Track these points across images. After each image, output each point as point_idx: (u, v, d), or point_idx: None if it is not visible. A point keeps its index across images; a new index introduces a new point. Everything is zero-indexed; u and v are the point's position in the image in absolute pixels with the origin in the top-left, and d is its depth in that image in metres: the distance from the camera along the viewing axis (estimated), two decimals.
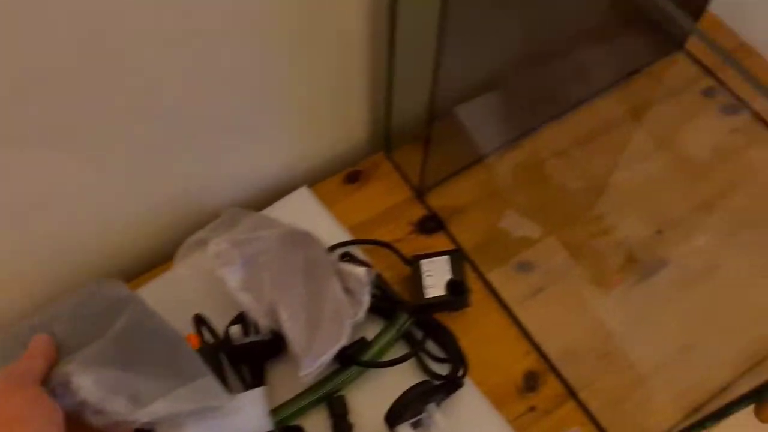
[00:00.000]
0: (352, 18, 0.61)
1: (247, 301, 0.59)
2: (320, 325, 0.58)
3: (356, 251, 0.68)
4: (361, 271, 0.61)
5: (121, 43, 0.50)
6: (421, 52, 0.57)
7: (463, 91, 0.69)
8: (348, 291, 0.61)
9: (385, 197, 0.72)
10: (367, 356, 0.61)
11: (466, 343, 0.63)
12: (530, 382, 0.64)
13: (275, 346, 0.59)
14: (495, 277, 0.68)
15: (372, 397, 0.60)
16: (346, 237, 0.68)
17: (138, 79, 0.53)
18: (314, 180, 0.73)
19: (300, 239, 0.63)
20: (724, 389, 0.65)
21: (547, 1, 0.67)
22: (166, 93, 0.56)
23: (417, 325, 0.63)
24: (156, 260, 0.67)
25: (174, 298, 0.58)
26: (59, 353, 0.47)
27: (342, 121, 0.72)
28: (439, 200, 0.72)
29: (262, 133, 0.67)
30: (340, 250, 0.67)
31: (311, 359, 0.57)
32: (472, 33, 0.59)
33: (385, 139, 0.74)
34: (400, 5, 0.59)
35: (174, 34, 0.52)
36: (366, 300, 0.61)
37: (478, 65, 0.67)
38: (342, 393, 0.61)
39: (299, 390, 0.60)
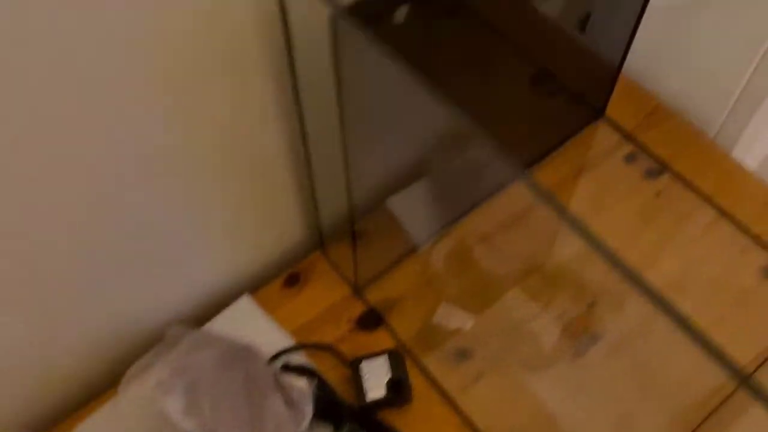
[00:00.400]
0: (273, 134, 0.64)
1: (190, 429, 0.60)
2: None
3: (300, 355, 0.70)
4: (302, 383, 0.63)
5: (44, 172, 0.52)
6: (332, 160, 0.60)
7: (387, 186, 0.72)
8: (290, 403, 0.63)
9: (324, 296, 0.74)
10: None
11: None
12: None
13: None
14: (435, 367, 0.70)
15: None
16: (288, 342, 0.70)
17: (58, 214, 0.55)
18: (257, 284, 0.75)
19: (240, 355, 0.65)
20: None
21: (458, 88, 0.70)
22: (93, 224, 0.58)
23: (361, 426, 0.65)
24: (105, 386, 0.68)
25: (119, 428, 0.59)
26: None
27: (276, 226, 0.75)
28: (377, 294, 0.74)
29: (198, 250, 0.69)
30: (282, 358, 0.69)
31: None
32: (379, 135, 0.62)
33: (319, 238, 0.76)
34: (307, 123, 0.62)
35: (99, 169, 0.54)
36: (308, 411, 0.63)
37: (395, 162, 0.70)
38: None
39: None
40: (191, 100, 0.55)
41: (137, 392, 0.62)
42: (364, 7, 0.50)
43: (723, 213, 0.79)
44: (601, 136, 0.86)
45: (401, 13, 0.58)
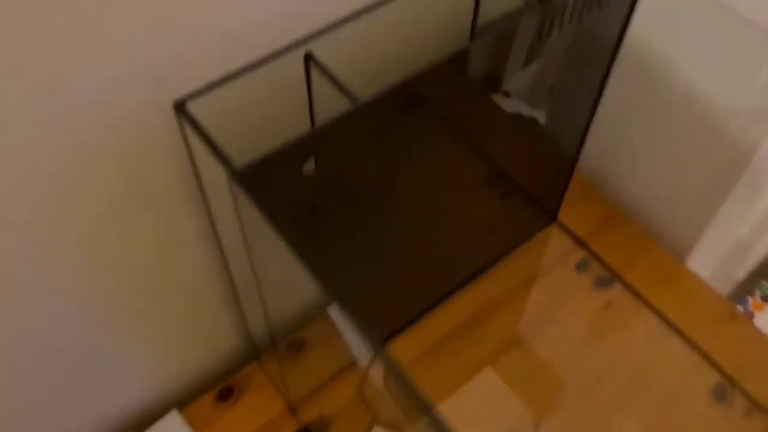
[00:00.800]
0: (197, 256, 0.63)
1: None
2: None
3: None
4: None
5: None
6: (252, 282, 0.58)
7: (318, 300, 0.70)
8: None
9: (259, 412, 0.72)
10: None
11: None
12: None
13: None
14: None
15: None
16: None
17: None
18: (189, 396, 0.73)
19: None
20: None
21: (409, 190, 0.68)
22: (13, 340, 0.56)
23: None
24: None
25: None
26: None
27: (207, 339, 0.72)
28: (313, 411, 0.71)
29: (124, 365, 0.67)
30: None
31: None
32: (290, 269, 0.60)
33: (254, 350, 0.74)
34: (225, 249, 0.61)
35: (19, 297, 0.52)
36: None
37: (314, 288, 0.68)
38: None
39: None
40: (110, 230, 0.54)
41: None
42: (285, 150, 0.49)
43: (673, 327, 0.77)
44: (554, 241, 0.85)
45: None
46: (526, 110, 0.93)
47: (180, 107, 0.44)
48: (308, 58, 0.47)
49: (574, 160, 0.82)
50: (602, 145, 0.89)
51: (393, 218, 0.69)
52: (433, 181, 0.71)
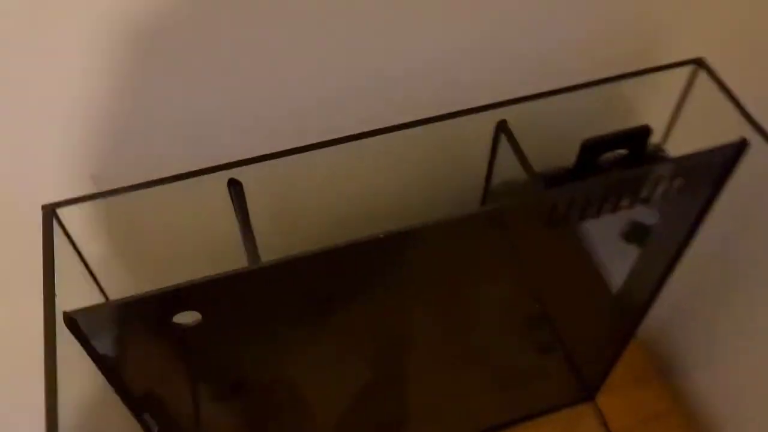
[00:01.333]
0: None
1: None
2: None
3: None
4: None
5: None
6: None
7: None
8: None
9: None
10: None
11: None
12: None
13: None
14: None
15: None
16: None
17: None
18: None
19: None
20: None
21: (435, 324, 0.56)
22: None
23: None
24: None
25: None
26: None
27: None
28: None
29: None
30: None
31: None
32: None
33: None
34: None
35: None
36: None
37: None
38: None
39: None
40: None
41: None
42: None
43: None
44: (583, 426, 0.69)
45: None
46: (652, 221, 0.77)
47: (49, 213, 0.34)
48: (231, 185, 0.37)
49: (635, 323, 0.66)
50: (673, 316, 0.72)
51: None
52: (438, 320, 0.57)
